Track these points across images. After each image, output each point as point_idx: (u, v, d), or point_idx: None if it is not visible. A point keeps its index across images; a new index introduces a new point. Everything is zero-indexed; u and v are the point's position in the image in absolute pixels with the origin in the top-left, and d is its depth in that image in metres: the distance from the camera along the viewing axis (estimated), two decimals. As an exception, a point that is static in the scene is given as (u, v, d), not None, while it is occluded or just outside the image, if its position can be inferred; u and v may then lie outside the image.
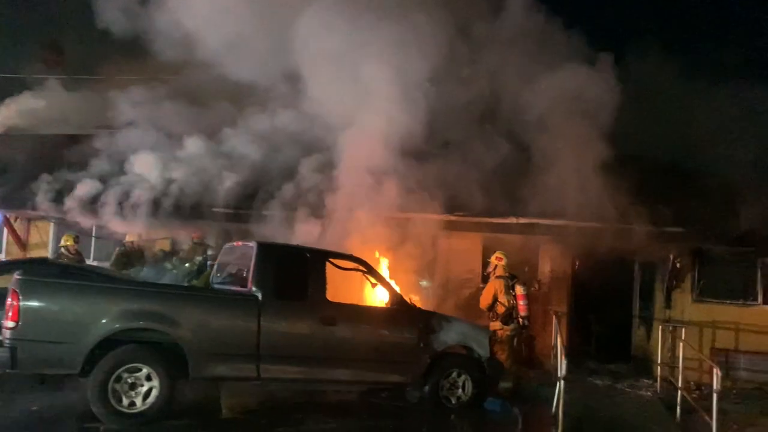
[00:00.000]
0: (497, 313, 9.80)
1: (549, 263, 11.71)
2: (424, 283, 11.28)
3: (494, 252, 10.09)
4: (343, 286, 8.38)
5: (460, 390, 8.52)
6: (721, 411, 9.12)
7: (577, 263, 11.95)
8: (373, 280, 8.36)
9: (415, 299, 9.30)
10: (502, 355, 9.76)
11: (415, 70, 10.17)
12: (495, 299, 9.87)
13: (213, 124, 12.37)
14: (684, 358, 10.77)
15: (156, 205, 11.40)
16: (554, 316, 10.61)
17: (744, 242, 10.48)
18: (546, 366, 11.33)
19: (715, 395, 6.75)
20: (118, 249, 12.23)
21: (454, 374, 8.51)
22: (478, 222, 10.85)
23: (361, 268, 8.30)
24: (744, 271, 11.02)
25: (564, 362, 8.56)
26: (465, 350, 8.66)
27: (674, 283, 10.97)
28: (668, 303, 11.11)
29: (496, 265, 10.09)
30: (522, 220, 10.64)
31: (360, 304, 8.22)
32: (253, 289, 7.44)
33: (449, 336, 8.53)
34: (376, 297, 8.71)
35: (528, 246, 11.46)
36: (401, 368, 8.18)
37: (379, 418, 7.97)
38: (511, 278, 9.91)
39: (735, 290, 11.03)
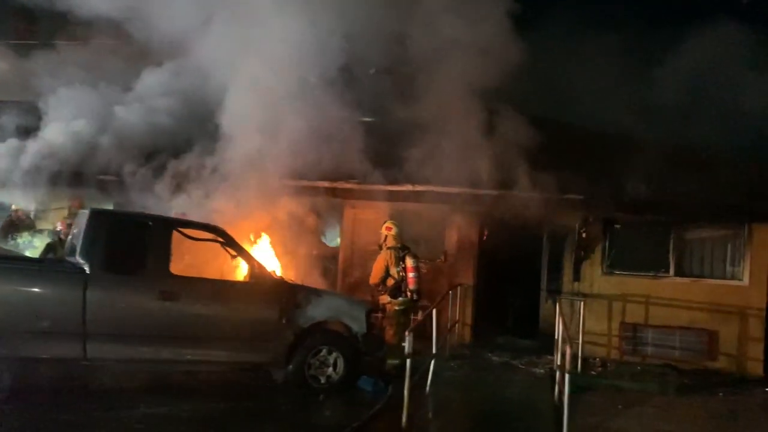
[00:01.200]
0: (386, 286, 9.22)
1: (456, 234, 11.07)
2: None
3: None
4: (204, 259, 7.76)
5: (330, 369, 7.91)
6: (616, 389, 8.81)
7: (486, 234, 11.34)
8: (233, 252, 7.68)
9: (289, 274, 8.66)
10: (390, 331, 9.21)
11: (305, 29, 9.41)
12: (387, 272, 9.26)
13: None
14: (591, 333, 10.45)
15: (38, 172, 10.60)
16: (450, 291, 10.07)
17: (654, 210, 9.89)
18: (451, 341, 10.77)
19: (567, 376, 6.12)
20: (6, 219, 11.54)
21: (324, 352, 7.89)
22: (372, 190, 10.13)
23: (217, 238, 7.60)
24: (656, 241, 10.45)
25: (435, 340, 8.22)
26: (338, 326, 8.07)
27: (582, 254, 10.38)
28: (577, 275, 10.53)
29: (386, 236, 9.45)
30: (418, 188, 9.97)
31: (210, 277, 7.50)
32: (80, 260, 6.74)
33: (317, 311, 7.89)
34: (240, 270, 8.05)
35: (435, 216, 10.80)
36: (260, 347, 7.56)
37: (235, 400, 7.32)
38: (403, 249, 9.28)
39: (646, 261, 10.47)
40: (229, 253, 7.68)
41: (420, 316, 11.03)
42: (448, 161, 9.67)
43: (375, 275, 9.31)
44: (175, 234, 7.38)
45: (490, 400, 7.74)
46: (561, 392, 7.56)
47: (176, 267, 7.29)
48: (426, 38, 9.31)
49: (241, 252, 7.67)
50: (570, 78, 10.58)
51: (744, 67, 10.61)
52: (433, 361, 8.07)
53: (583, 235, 10.13)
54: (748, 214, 9.93)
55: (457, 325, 10.70)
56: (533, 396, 7.78)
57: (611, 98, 10.24)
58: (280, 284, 7.82)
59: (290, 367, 7.69)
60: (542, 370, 9.20)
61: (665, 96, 10.30)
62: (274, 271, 8.05)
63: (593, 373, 9.45)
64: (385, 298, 9.27)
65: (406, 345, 6.43)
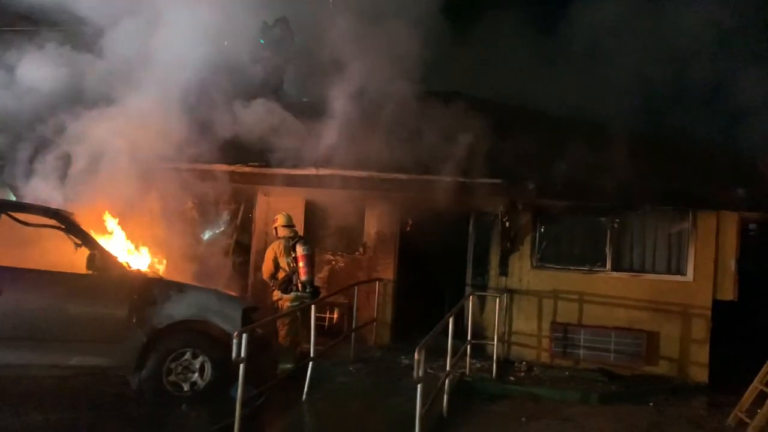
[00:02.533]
0: (278, 280, 8.28)
1: (375, 224, 10.09)
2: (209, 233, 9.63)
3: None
4: (50, 248, 6.80)
5: (196, 374, 6.98)
6: (532, 398, 7.82)
7: (409, 225, 10.34)
8: (77, 240, 6.73)
9: (158, 266, 7.70)
10: (281, 331, 8.26)
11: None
12: (277, 264, 8.32)
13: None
14: (520, 333, 9.47)
15: None
16: (356, 286, 9.10)
17: (586, 197, 8.86)
18: (368, 341, 9.79)
19: (419, 386, 5.11)
20: None
21: (188, 355, 6.96)
22: (273, 174, 9.15)
23: (57, 224, 6.66)
24: (591, 232, 9.42)
25: (312, 343, 7.26)
26: (207, 326, 7.10)
27: (509, 246, 9.34)
28: (504, 269, 9.51)
29: (275, 228, 8.51)
30: (322, 171, 8.96)
31: (43, 269, 6.52)
32: None
33: (177, 309, 6.95)
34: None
35: (353, 205, 9.82)
36: (104, 349, 6.63)
37: (75, 410, 6.35)
38: (293, 238, 8.33)
39: (581, 255, 9.43)
40: (73, 241, 6.76)
41: (336, 314, 10.26)
42: (355, 144, 8.69)
43: (265, 269, 8.41)
44: (7, 219, 6.48)
45: (366, 411, 6.73)
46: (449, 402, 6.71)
47: (5, 256, 6.37)
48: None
49: (85, 240, 6.71)
50: (500, 53, 9.58)
51: (697, 45, 9.58)
52: (310, 367, 7.12)
53: (507, 224, 9.10)
54: (692, 201, 8.88)
55: (375, 324, 9.75)
56: (397, 406, 6.72)
57: (546, 76, 9.25)
58: (132, 277, 6.86)
59: (143, 372, 6.79)
60: (450, 376, 8.17)
61: (606, 75, 9.29)
62: (126, 263, 7.08)
63: (512, 378, 8.43)
64: (276, 294, 8.35)
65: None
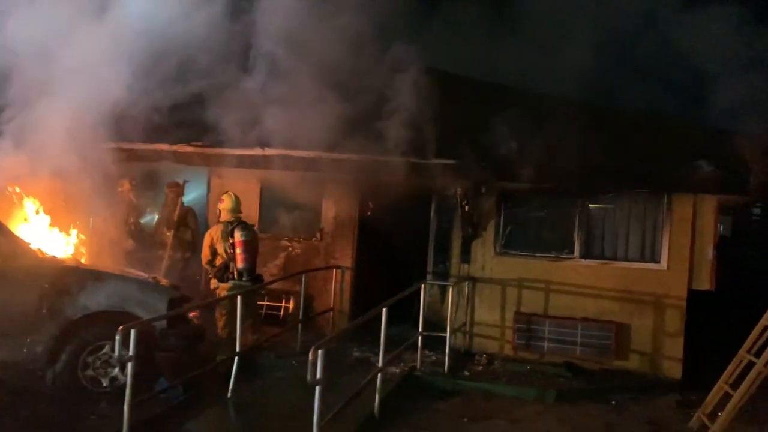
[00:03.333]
0: (214, 267, 7.79)
1: (333, 208, 9.54)
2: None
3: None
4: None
5: (116, 369, 6.51)
6: (485, 395, 7.29)
7: (370, 209, 9.77)
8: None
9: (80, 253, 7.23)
10: (219, 322, 7.78)
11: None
12: (214, 251, 7.82)
13: None
14: (482, 324, 8.93)
15: None
16: (303, 275, 8.59)
17: (551, 179, 8.24)
18: (324, 331, 9.28)
19: (317, 389, 4.58)
20: None
21: (107, 349, 6.48)
22: (218, 154, 8.61)
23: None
24: (559, 217, 8.80)
25: (239, 335, 6.76)
26: (130, 318, 6.61)
27: (470, 231, 8.76)
28: (466, 256, 8.93)
29: (220, 210, 7.99)
30: (269, 152, 8.42)
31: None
32: None
33: (93, 299, 6.48)
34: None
35: (309, 187, 9.27)
36: (10, 342, 6.17)
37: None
38: (233, 222, 7.81)
39: (547, 241, 8.83)
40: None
41: (292, 303, 9.74)
42: (304, 123, 8.13)
43: (202, 255, 7.91)
44: None
45: (287, 412, 6.18)
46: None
47: None
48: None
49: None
50: (461, 23, 8.94)
51: (670, 17, 8.87)
52: (236, 362, 6.62)
53: (466, 208, 8.51)
54: (667, 184, 8.23)
55: (332, 313, 9.24)
56: (351, 404, 6.19)
57: (511, 49, 8.60)
58: (43, 265, 6.40)
59: (57, 366, 6.34)
60: (398, 370, 7.66)
61: (575, 48, 8.61)
62: (39, 250, 6.60)
63: (467, 373, 7.90)
64: (213, 283, 7.86)
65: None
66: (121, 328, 4.88)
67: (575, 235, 8.70)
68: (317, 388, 4.60)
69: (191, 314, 8.15)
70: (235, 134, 8.42)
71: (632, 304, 8.44)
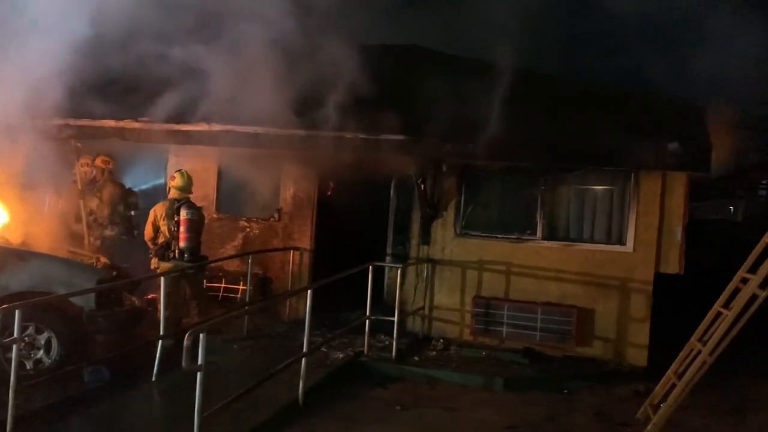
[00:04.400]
0: (156, 246, 7.55)
1: (291, 187, 9.24)
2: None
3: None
4: None
5: (41, 352, 6.33)
6: (430, 381, 6.99)
7: (331, 188, 9.46)
8: None
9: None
10: (159, 303, 7.53)
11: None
12: (157, 228, 7.57)
13: None
14: (442, 308, 8.60)
15: None
16: (275, 256, 8.33)
17: (509, 156, 7.83)
18: (281, 315, 9.03)
19: (198, 374, 4.29)
20: None
21: (31, 330, 6.29)
22: (164, 130, 8.29)
23: None
24: (520, 196, 8.40)
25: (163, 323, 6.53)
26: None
27: (428, 211, 8.39)
28: (425, 238, 8.58)
29: (169, 188, 7.74)
30: (215, 127, 8.09)
31: None
32: None
33: (17, 279, 6.34)
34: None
35: (267, 166, 8.98)
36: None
37: None
38: (180, 200, 7.56)
39: (509, 222, 8.43)
40: None
41: (254, 286, 9.45)
42: (252, 98, 7.80)
43: (146, 232, 7.65)
44: None
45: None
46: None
47: None
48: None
49: None
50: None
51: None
52: (160, 345, 6.39)
53: (423, 187, 8.14)
54: (635, 160, 7.76)
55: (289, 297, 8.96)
56: (271, 391, 5.90)
57: (472, 19, 8.18)
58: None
59: (-23, 349, 6.16)
60: (342, 355, 7.36)
61: (539, 19, 8.15)
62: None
63: (416, 359, 7.57)
64: (154, 262, 7.62)
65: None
66: (2, 307, 4.63)
67: (538, 215, 8.29)
68: (198, 374, 4.31)
69: (150, 296, 8.07)
70: (182, 110, 8.17)
71: (596, 288, 8.03)
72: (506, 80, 7.89)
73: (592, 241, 8.17)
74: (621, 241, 8.04)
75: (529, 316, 8.09)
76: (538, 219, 8.30)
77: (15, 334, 4.66)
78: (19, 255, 6.46)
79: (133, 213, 8.75)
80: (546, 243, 8.27)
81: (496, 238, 8.41)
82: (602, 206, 8.15)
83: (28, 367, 6.30)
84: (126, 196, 8.92)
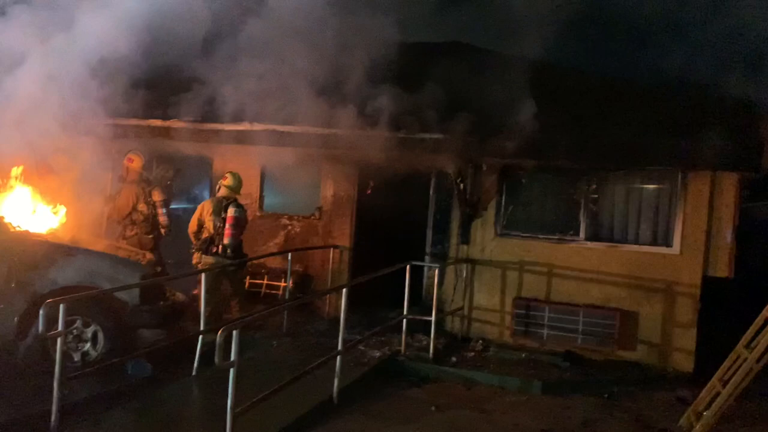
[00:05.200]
0: (199, 240, 7.74)
1: (331, 186, 9.34)
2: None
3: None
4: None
5: (88, 344, 6.58)
6: (467, 383, 6.96)
7: (371, 186, 9.49)
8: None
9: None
10: (203, 298, 7.71)
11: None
12: (201, 224, 7.78)
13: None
14: (481, 308, 8.56)
15: None
16: (314, 254, 8.41)
17: (556, 155, 7.71)
18: (321, 312, 9.14)
19: (231, 370, 4.38)
20: None
21: (78, 324, 6.54)
22: (207, 129, 8.49)
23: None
24: (564, 196, 8.26)
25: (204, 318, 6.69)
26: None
27: (469, 211, 8.34)
28: (465, 237, 8.53)
29: (220, 187, 7.94)
30: (257, 127, 8.24)
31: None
32: None
33: (64, 273, 6.54)
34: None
35: (309, 165, 9.10)
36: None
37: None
38: (228, 199, 7.75)
39: (551, 222, 8.32)
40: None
41: (291, 282, 9.60)
42: (293, 96, 7.92)
43: (190, 225, 7.86)
44: None
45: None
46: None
47: None
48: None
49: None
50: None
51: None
52: (200, 341, 6.55)
53: (462, 186, 8.09)
54: (682, 159, 7.54)
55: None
56: (306, 388, 5.97)
57: (515, 17, 8.08)
58: (12, 238, 6.48)
59: (27, 340, 6.43)
60: (378, 354, 7.40)
61: (583, 17, 7.99)
62: (9, 223, 6.68)
63: (454, 359, 7.54)
64: (197, 257, 7.80)
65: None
66: (48, 301, 4.84)
67: (581, 215, 8.16)
68: (231, 371, 4.41)
69: (194, 291, 8.29)
70: (226, 110, 8.35)
71: (641, 291, 7.86)
72: (548, 77, 7.81)
73: (636, 242, 7.99)
74: (667, 243, 7.84)
75: (571, 319, 7.97)
76: (581, 219, 8.17)
77: (59, 328, 4.87)
78: (67, 251, 6.71)
79: (163, 211, 8.65)
80: (589, 244, 8.12)
81: (538, 238, 8.32)
82: (648, 207, 7.97)
83: (75, 359, 6.58)
84: (150, 195, 8.72)
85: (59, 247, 6.71)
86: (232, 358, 4.42)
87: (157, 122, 8.63)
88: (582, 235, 8.16)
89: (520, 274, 8.34)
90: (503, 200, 8.46)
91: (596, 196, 8.14)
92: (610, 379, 7.29)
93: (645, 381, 7.35)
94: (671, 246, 7.80)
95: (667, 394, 6.90)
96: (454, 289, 8.59)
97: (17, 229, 6.72)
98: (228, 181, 7.91)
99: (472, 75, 8.00)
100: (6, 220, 6.69)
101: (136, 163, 8.34)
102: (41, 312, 4.79)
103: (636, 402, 6.64)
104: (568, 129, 7.78)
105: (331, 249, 9.13)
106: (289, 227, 9.63)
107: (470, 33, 9.07)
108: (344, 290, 6.08)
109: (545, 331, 8.08)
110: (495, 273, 8.45)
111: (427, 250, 9.07)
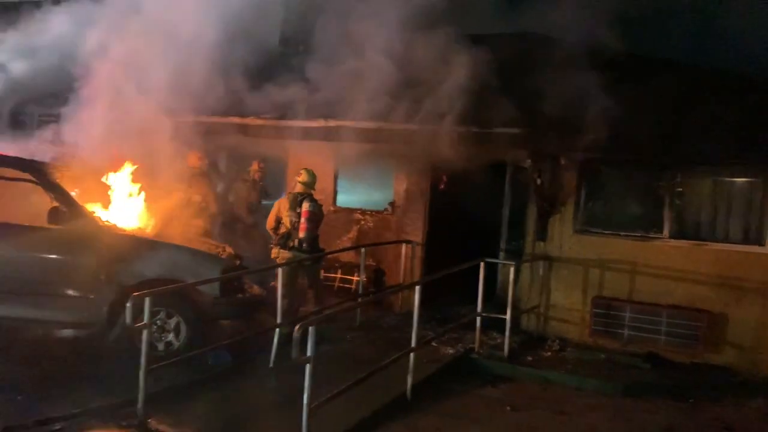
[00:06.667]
0: (278, 236, 7.95)
1: (405, 181, 9.39)
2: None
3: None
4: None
5: (171, 335, 6.89)
6: (543, 383, 6.87)
7: (444, 181, 9.46)
8: (51, 194, 6.80)
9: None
10: (280, 291, 7.92)
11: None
12: (279, 219, 7.99)
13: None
14: (559, 307, 8.42)
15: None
16: (387, 249, 8.52)
17: (637, 148, 7.48)
18: (393, 307, 9.23)
19: (307, 366, 4.47)
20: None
21: (162, 315, 6.85)
22: (282, 126, 8.72)
23: (27, 176, 6.77)
24: (647, 192, 7.99)
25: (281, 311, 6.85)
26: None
27: (545, 206, 8.19)
28: (542, 234, 8.38)
29: (296, 183, 8.13)
30: (332, 123, 8.37)
31: (8, 222, 6.68)
32: None
33: (148, 267, 6.85)
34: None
35: (381, 160, 9.19)
36: (74, 305, 6.72)
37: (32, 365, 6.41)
38: (303, 194, 7.92)
39: (633, 219, 8.06)
40: (48, 195, 6.85)
41: (367, 277, 9.69)
42: (365, 93, 8.02)
43: (268, 221, 8.09)
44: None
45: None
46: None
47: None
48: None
49: (56, 193, 6.77)
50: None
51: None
52: (277, 333, 6.74)
53: (538, 181, 7.95)
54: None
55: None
56: (379, 383, 6.04)
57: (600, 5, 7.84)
58: (102, 232, 6.84)
59: (115, 329, 6.80)
60: (452, 351, 7.40)
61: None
62: (99, 218, 7.05)
63: (530, 358, 7.45)
64: (275, 251, 8.01)
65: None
66: (134, 294, 5.11)
67: (665, 212, 7.88)
68: (307, 366, 4.52)
69: (272, 284, 8.54)
70: (301, 107, 8.54)
71: (730, 292, 7.53)
72: (629, 67, 7.56)
73: (726, 240, 7.66)
74: (759, 242, 7.47)
75: (653, 319, 7.73)
76: (665, 216, 7.88)
77: (145, 319, 5.14)
78: (152, 245, 7.04)
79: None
80: (673, 242, 7.84)
81: (619, 235, 8.09)
82: (738, 203, 7.62)
83: (159, 349, 6.91)
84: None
85: (145, 241, 7.06)
86: (308, 353, 4.53)
87: (236, 119, 8.94)
88: (666, 232, 7.88)
89: (600, 272, 8.14)
90: (582, 196, 8.28)
91: (681, 192, 7.85)
92: (695, 383, 7.04)
93: (733, 387, 7.05)
94: (763, 245, 7.43)
95: (759, 401, 6.59)
96: (530, 286, 8.49)
97: (104, 223, 7.12)
98: (303, 177, 8.09)
99: (549, 67, 7.83)
100: (96, 216, 7.09)
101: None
102: (128, 304, 5.06)
103: (723, 408, 6.39)
104: (650, 120, 7.54)
105: (404, 244, 9.19)
106: (362, 222, 9.77)
107: (541, 24, 8.79)
108: (417, 287, 6.11)
109: (625, 332, 7.87)
110: (573, 271, 8.29)
111: (502, 246, 9.00)
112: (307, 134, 8.64)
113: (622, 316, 7.90)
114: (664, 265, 7.84)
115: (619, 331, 7.91)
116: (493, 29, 9.98)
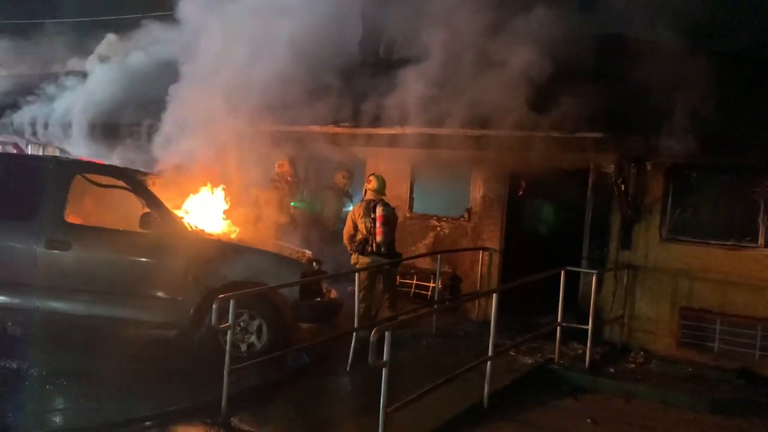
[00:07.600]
0: (355, 243, 8.09)
1: (481, 187, 9.32)
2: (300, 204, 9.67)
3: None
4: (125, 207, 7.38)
5: (253, 336, 7.14)
6: (625, 396, 6.68)
7: (523, 188, 9.33)
8: (143, 200, 7.19)
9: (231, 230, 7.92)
10: (358, 296, 8.05)
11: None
12: (355, 226, 8.13)
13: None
14: (643, 318, 8.16)
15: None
16: (464, 256, 8.50)
17: (731, 151, 7.16)
18: (470, 314, 9.18)
19: (384, 370, 4.51)
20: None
21: (245, 316, 7.11)
22: (359, 134, 8.84)
23: (121, 183, 7.17)
24: (739, 198, 7.61)
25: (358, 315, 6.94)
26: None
27: (630, 213, 7.93)
28: (626, 242, 8.13)
29: (365, 190, 8.27)
30: (408, 130, 8.42)
31: (109, 227, 7.08)
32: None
33: (233, 270, 7.12)
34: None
35: (458, 166, 9.19)
36: (163, 305, 7.06)
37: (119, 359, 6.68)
38: (375, 200, 8.05)
39: (725, 226, 7.70)
40: (140, 200, 7.24)
41: (443, 284, 9.68)
42: (440, 100, 8.06)
43: (345, 230, 8.25)
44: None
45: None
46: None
47: (79, 213, 7.08)
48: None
49: (148, 199, 7.15)
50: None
51: None
52: (354, 337, 6.85)
53: (622, 187, 7.71)
54: None
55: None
56: (456, 391, 6.01)
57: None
58: (190, 237, 7.16)
59: (201, 330, 7.10)
60: (530, 360, 7.28)
61: None
62: (188, 223, 7.38)
63: (612, 370, 7.25)
64: (354, 258, 8.16)
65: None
66: (219, 296, 5.33)
67: (760, 219, 7.51)
68: (384, 371, 4.58)
69: (349, 289, 8.71)
70: (378, 115, 8.66)
71: (833, 305, 7.10)
72: (719, 66, 7.23)
73: (829, 250, 7.23)
74: None
75: (747, 333, 7.39)
76: (761, 223, 7.51)
77: (229, 321, 5.36)
78: (236, 249, 7.33)
79: None
80: (768, 251, 7.47)
81: (708, 244, 7.76)
82: (843, 210, 7.17)
83: (242, 349, 7.14)
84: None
85: (229, 245, 7.35)
86: (385, 358, 4.60)
87: (316, 128, 9.15)
88: (761, 240, 7.50)
89: (689, 282, 7.84)
90: (669, 202, 7.99)
91: (779, 198, 7.47)
92: (794, 402, 6.67)
93: (838, 408, 6.64)
94: None
95: None
96: (613, 296, 8.26)
97: (192, 228, 7.45)
98: (372, 184, 8.22)
99: (636, 69, 7.61)
100: (184, 221, 7.44)
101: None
102: (214, 306, 5.30)
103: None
104: (744, 122, 7.20)
105: (481, 251, 9.15)
106: (438, 228, 9.78)
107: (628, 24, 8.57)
108: (494, 295, 6.07)
109: (716, 345, 7.55)
110: (659, 280, 8.01)
111: (584, 254, 8.75)
112: (385, 141, 8.74)
113: (712, 328, 7.58)
114: (758, 275, 7.46)
115: (709, 344, 7.59)
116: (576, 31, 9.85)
